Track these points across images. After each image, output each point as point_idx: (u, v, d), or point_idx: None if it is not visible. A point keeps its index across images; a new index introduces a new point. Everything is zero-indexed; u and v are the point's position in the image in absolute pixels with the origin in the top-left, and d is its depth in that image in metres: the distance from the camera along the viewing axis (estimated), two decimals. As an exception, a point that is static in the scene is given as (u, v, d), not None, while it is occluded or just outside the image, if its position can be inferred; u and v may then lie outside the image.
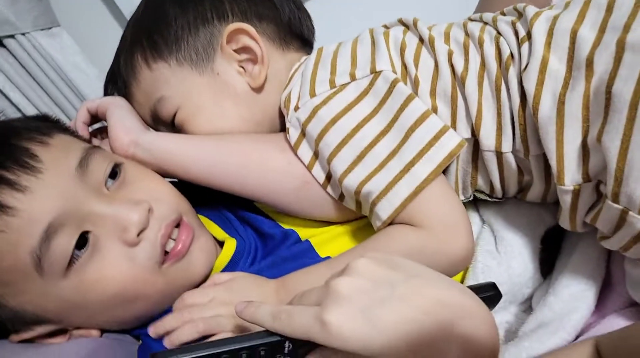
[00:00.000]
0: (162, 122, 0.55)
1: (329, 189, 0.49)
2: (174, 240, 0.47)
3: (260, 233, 0.54)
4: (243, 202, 0.55)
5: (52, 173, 0.42)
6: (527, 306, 0.51)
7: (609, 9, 0.39)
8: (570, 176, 0.40)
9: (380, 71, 0.46)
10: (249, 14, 0.52)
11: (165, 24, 0.52)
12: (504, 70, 0.43)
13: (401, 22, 0.52)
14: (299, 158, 0.49)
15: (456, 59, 0.46)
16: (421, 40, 0.48)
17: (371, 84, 0.46)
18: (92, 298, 0.43)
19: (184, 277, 0.47)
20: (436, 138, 0.43)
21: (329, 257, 0.49)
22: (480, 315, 0.32)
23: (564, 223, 0.45)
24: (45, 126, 0.49)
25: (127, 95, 0.55)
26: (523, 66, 0.41)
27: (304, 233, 0.53)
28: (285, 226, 0.53)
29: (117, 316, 0.46)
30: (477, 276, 0.48)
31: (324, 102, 0.46)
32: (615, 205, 0.37)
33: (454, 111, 0.45)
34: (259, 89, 0.53)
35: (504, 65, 0.43)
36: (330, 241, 0.52)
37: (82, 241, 0.42)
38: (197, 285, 0.49)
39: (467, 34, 0.47)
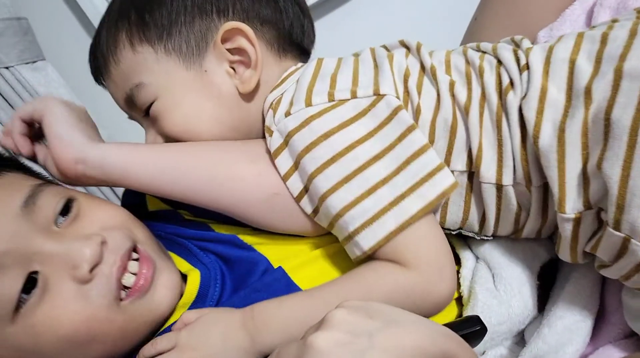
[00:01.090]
0: (136, 109, 0.51)
1: (302, 203, 0.46)
2: (134, 274, 0.44)
3: (226, 259, 0.51)
4: (202, 228, 0.53)
5: None
6: (520, 338, 0.49)
7: (604, 41, 0.39)
8: (572, 204, 0.39)
9: (384, 95, 0.44)
10: (251, 13, 0.49)
11: (160, 5, 0.48)
12: (504, 99, 0.43)
13: (403, 44, 0.50)
14: (276, 166, 0.46)
15: (458, 89, 0.45)
16: (423, 68, 0.47)
17: (372, 105, 0.44)
18: (45, 343, 0.40)
19: (146, 314, 0.44)
20: (431, 174, 0.42)
21: (298, 287, 0.47)
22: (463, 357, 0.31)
23: (564, 254, 0.44)
24: (2, 163, 0.47)
25: (104, 71, 0.51)
26: (522, 94, 0.41)
27: (275, 257, 0.49)
28: (255, 247, 0.51)
29: None
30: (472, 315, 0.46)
31: (320, 114, 0.43)
32: (617, 233, 0.37)
33: (451, 142, 0.44)
34: (246, 95, 0.49)
35: (504, 92, 0.43)
36: (305, 266, 0.49)
37: (31, 283, 0.40)
38: (162, 322, 0.46)
39: (467, 62, 0.47)
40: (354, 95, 0.44)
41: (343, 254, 0.47)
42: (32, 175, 0.50)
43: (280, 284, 0.46)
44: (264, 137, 0.49)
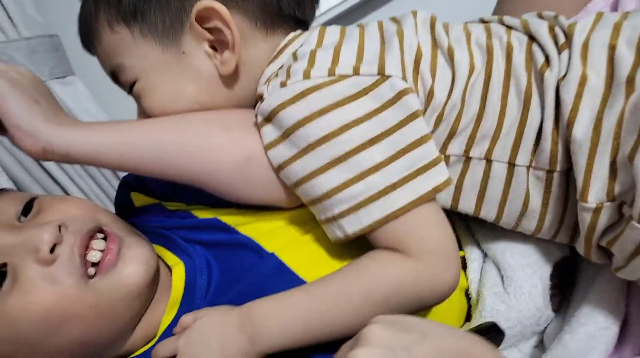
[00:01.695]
0: (121, 85, 0.50)
1: (282, 174, 0.45)
2: (102, 251, 0.45)
3: (210, 244, 0.50)
4: (184, 216, 0.53)
5: None
6: (538, 341, 0.49)
7: None
8: (595, 194, 0.38)
9: (389, 76, 0.41)
10: None
11: None
12: (537, 78, 0.41)
13: (414, 16, 0.47)
14: (260, 134, 0.45)
15: (477, 70, 0.43)
16: (437, 46, 0.45)
17: (374, 85, 0.41)
18: (22, 330, 0.41)
19: (117, 290, 0.44)
20: (427, 167, 0.41)
21: (302, 280, 0.46)
22: None
23: (579, 246, 0.43)
24: None
25: (90, 45, 0.50)
26: (561, 74, 0.40)
27: (259, 236, 0.49)
28: (237, 229, 0.50)
29: (60, 345, 0.43)
30: (485, 320, 0.46)
31: (317, 87, 0.41)
32: None
33: (455, 125, 0.43)
34: (228, 76, 0.47)
35: (538, 72, 0.41)
36: (296, 246, 0.48)
37: (2, 276, 0.41)
38: (140, 298, 0.46)
39: (489, 36, 0.45)
40: (356, 72, 0.42)
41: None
42: None
43: (279, 276, 0.46)
44: None
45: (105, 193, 1.29)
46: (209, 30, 0.45)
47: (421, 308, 0.43)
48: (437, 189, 0.41)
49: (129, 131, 0.46)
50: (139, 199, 0.61)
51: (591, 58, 0.39)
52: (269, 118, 0.43)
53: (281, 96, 0.42)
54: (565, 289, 0.49)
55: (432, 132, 0.43)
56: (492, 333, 0.37)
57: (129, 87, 0.49)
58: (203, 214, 0.53)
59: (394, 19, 0.48)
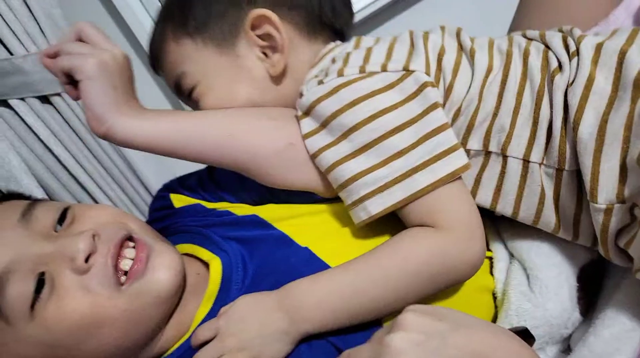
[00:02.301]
0: (183, 94, 0.56)
1: (317, 160, 0.48)
2: (132, 259, 0.47)
3: (247, 240, 0.53)
4: (224, 213, 0.56)
5: None
6: (566, 347, 0.49)
7: None
8: (605, 194, 0.40)
9: (413, 71, 0.45)
10: (278, 0, 0.52)
11: (197, 1, 0.53)
12: (549, 81, 0.43)
13: (442, 29, 0.52)
14: (299, 127, 0.49)
15: (495, 71, 0.46)
16: (461, 48, 0.49)
17: (400, 79, 0.45)
18: (59, 335, 0.43)
19: (148, 295, 0.46)
20: (446, 152, 0.43)
21: (330, 267, 0.48)
22: (527, 356, 0.33)
23: (600, 248, 0.44)
24: (1, 197, 0.53)
25: (157, 63, 0.57)
26: (570, 80, 0.42)
27: (295, 231, 0.51)
28: (275, 225, 0.53)
29: (96, 349, 0.45)
30: (511, 319, 0.47)
31: (349, 83, 0.46)
32: None
33: (472, 120, 0.46)
34: (277, 77, 0.53)
35: (550, 76, 0.43)
36: (328, 239, 0.51)
37: (41, 283, 0.43)
38: (169, 301, 0.48)
39: (511, 44, 0.48)
40: (384, 69, 0.46)
41: (369, 226, 0.48)
42: (29, 199, 0.54)
43: (311, 266, 0.48)
44: None
45: (131, 200, 1.32)
46: (261, 37, 0.52)
47: (452, 283, 0.46)
48: (455, 173, 0.43)
49: (184, 119, 0.50)
50: (180, 200, 0.63)
51: (602, 62, 0.41)
52: (308, 112, 0.48)
53: (317, 92, 0.47)
54: (593, 293, 0.49)
55: (451, 124, 0.46)
56: (522, 337, 0.37)
57: (189, 94, 0.54)
58: (242, 211, 0.56)
59: (425, 32, 0.52)
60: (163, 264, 0.47)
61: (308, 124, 0.48)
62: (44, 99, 1.14)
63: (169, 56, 0.54)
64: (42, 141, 1.14)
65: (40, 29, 1.10)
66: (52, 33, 1.10)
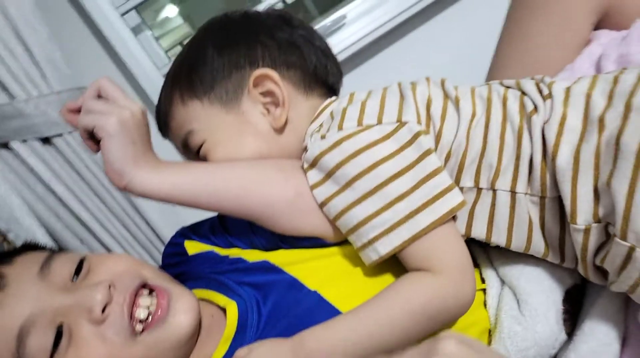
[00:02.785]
0: (191, 152, 0.59)
1: (325, 208, 0.52)
2: (148, 307, 0.48)
3: (259, 285, 0.54)
4: (236, 261, 0.58)
5: (15, 285, 0.47)
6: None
7: (615, 82, 0.46)
8: (583, 216, 0.44)
9: (406, 122, 0.50)
10: (278, 61, 0.57)
11: (204, 66, 0.57)
12: (527, 121, 0.48)
13: (427, 80, 0.56)
14: (307, 178, 0.52)
15: (478, 116, 0.50)
16: (447, 96, 0.53)
17: (395, 130, 0.49)
18: None
19: (167, 341, 0.48)
20: (443, 193, 0.47)
21: (338, 310, 0.50)
22: None
23: (580, 268, 0.47)
24: (19, 250, 0.55)
25: (164, 127, 0.61)
26: (546, 118, 0.47)
27: (304, 275, 0.54)
28: (285, 269, 0.55)
29: None
30: (504, 342, 0.49)
31: (349, 136, 0.50)
32: (623, 242, 0.41)
33: (462, 160, 0.50)
34: (279, 130, 0.57)
35: (527, 116, 0.48)
36: (336, 283, 0.53)
37: (60, 334, 0.45)
38: (188, 344, 0.50)
39: (490, 91, 0.53)
40: (379, 121, 0.50)
41: (375, 274, 0.52)
42: (46, 250, 0.56)
43: (321, 310, 0.50)
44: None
45: (135, 237, 1.31)
46: (263, 94, 0.56)
47: (449, 321, 0.49)
48: (453, 210, 0.48)
49: (199, 172, 0.54)
50: (193, 247, 0.65)
51: (572, 103, 0.47)
52: (313, 164, 0.52)
53: (321, 146, 0.51)
54: (577, 314, 0.52)
55: (444, 165, 0.50)
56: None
57: (197, 151, 0.58)
58: (254, 257, 0.58)
59: (411, 82, 0.56)
60: (183, 308, 0.49)
61: (314, 176, 0.52)
62: (46, 141, 1.15)
63: (177, 117, 0.58)
64: (43, 182, 1.16)
65: (41, 72, 1.12)
66: (53, 77, 1.13)
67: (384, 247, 0.48)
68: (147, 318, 0.48)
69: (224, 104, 0.56)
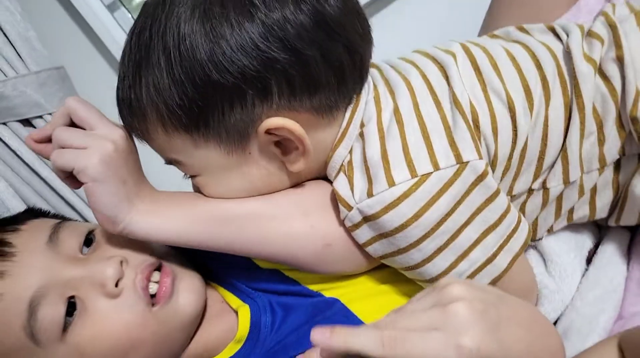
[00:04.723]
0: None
1: (384, 261, 0.47)
2: (156, 283, 0.48)
3: (272, 292, 0.54)
4: (248, 267, 0.54)
5: (24, 254, 0.46)
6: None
7: None
8: None
9: (467, 161, 0.41)
10: (299, 88, 0.40)
11: (189, 99, 0.39)
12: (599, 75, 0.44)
13: (456, 64, 0.45)
14: (355, 237, 0.45)
15: (534, 122, 0.44)
16: (486, 87, 0.44)
17: (457, 174, 0.41)
18: (94, 357, 0.45)
19: (174, 318, 0.48)
20: (514, 230, 0.44)
21: (360, 320, 0.48)
22: (555, 331, 0.37)
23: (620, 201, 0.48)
24: (21, 216, 0.53)
25: (137, 134, 0.46)
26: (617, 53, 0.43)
27: (320, 288, 0.52)
28: (299, 282, 0.53)
29: None
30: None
31: (406, 195, 0.41)
32: None
33: (518, 170, 0.46)
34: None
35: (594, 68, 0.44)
36: (362, 298, 0.51)
37: (72, 306, 0.45)
38: (193, 324, 0.50)
39: (536, 59, 0.45)
40: (436, 167, 0.41)
41: (403, 285, 0.50)
42: (52, 217, 0.56)
43: (347, 319, 0.49)
44: (319, 178, 0.49)
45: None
46: (276, 142, 0.43)
47: None
48: (526, 243, 0.45)
49: (208, 219, 0.46)
50: None
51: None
52: (360, 224, 0.44)
53: (372, 207, 0.42)
54: None
55: (500, 181, 0.45)
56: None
57: (188, 175, 0.48)
58: (265, 265, 0.54)
59: (439, 66, 0.46)
60: (186, 288, 0.49)
61: (365, 234, 0.44)
62: (27, 123, 1.14)
63: (157, 142, 0.44)
64: (27, 164, 1.14)
65: (17, 52, 1.10)
66: (29, 57, 1.10)
67: None
68: (155, 294, 0.48)
69: (224, 144, 0.42)
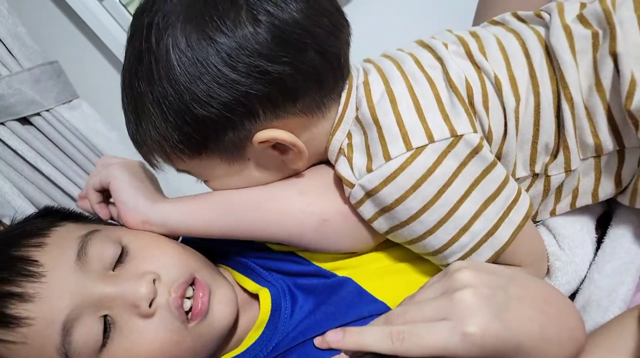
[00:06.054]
0: None
1: (390, 236, 0.48)
2: (189, 298, 0.48)
3: (287, 273, 0.54)
4: (262, 249, 0.56)
5: (54, 274, 0.44)
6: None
7: None
8: None
9: (462, 135, 0.43)
10: (281, 101, 0.43)
11: (186, 135, 0.44)
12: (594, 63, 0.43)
13: (446, 46, 0.48)
14: (361, 214, 0.47)
15: (524, 108, 0.45)
16: (478, 68, 0.46)
17: (451, 146, 0.43)
18: None
19: (210, 332, 0.48)
20: (515, 201, 0.45)
21: (380, 302, 0.49)
22: (572, 307, 0.36)
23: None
24: (43, 224, 0.50)
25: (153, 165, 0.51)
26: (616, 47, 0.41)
27: (333, 267, 0.53)
28: (313, 262, 0.54)
29: None
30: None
31: (402, 168, 0.43)
32: None
33: (515, 155, 0.47)
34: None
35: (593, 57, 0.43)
36: (378, 277, 0.51)
37: (105, 325, 0.44)
38: (225, 335, 0.50)
39: (524, 46, 0.46)
40: (431, 139, 0.43)
41: (416, 263, 0.51)
42: (81, 220, 0.54)
43: (363, 299, 0.49)
44: (320, 163, 0.52)
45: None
46: (272, 147, 0.46)
47: None
48: (528, 215, 0.45)
49: (215, 204, 0.51)
50: None
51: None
52: (363, 200, 0.46)
53: (371, 182, 0.44)
54: None
55: (500, 159, 0.46)
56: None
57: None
58: (278, 248, 0.55)
59: (432, 51, 0.48)
60: (220, 300, 0.49)
61: (368, 211, 0.46)
62: (24, 121, 1.13)
63: (164, 166, 0.50)
64: (29, 163, 1.14)
65: (8, 50, 1.08)
66: (20, 53, 1.08)
67: None
68: (190, 310, 0.47)
69: (225, 158, 0.46)
